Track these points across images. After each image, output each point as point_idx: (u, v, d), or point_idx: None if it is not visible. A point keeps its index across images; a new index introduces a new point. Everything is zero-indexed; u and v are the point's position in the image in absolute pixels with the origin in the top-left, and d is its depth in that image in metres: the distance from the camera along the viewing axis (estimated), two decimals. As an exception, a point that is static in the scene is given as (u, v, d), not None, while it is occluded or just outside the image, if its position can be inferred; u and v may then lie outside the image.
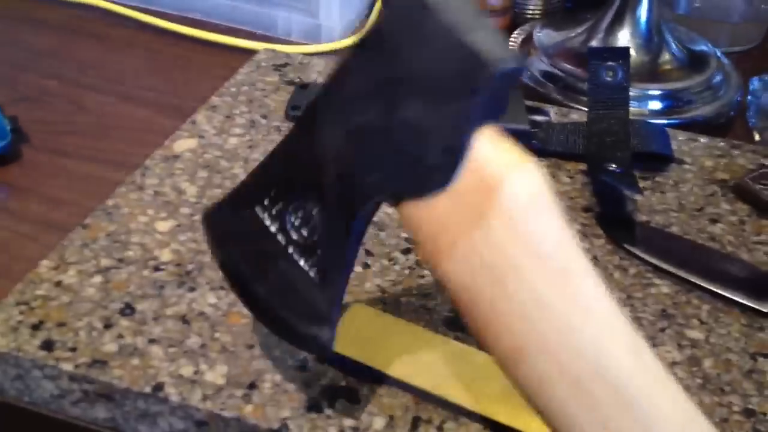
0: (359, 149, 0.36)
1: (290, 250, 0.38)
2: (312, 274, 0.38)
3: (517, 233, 0.33)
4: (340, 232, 0.37)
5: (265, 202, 0.39)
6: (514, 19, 0.85)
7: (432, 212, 0.34)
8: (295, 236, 0.38)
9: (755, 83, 0.76)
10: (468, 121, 0.33)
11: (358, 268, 0.53)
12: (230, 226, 0.41)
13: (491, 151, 0.33)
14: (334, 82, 0.37)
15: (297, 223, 0.38)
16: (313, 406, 0.45)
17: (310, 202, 0.38)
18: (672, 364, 0.49)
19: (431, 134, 0.33)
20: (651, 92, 0.73)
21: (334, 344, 0.38)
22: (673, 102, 0.73)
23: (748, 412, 0.46)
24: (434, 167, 0.33)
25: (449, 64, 0.32)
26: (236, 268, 0.41)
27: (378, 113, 0.34)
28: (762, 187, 0.62)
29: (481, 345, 0.35)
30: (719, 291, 0.54)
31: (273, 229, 0.39)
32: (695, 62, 0.77)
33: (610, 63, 0.64)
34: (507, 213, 0.32)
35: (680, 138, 0.69)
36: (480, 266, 0.33)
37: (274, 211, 0.39)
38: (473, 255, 0.33)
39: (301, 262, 0.38)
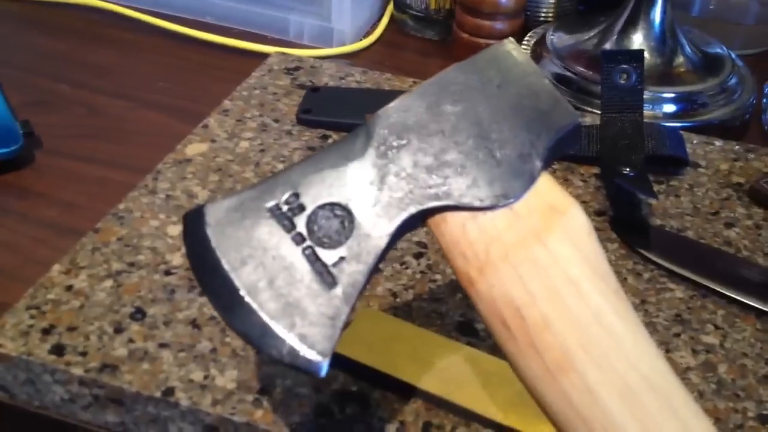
0: (450, 154, 0.37)
1: (302, 256, 0.35)
2: (320, 284, 0.35)
3: (579, 251, 0.35)
4: (373, 242, 0.36)
5: (278, 202, 0.36)
6: (526, 22, 0.84)
7: (488, 224, 0.36)
8: (310, 242, 0.36)
9: (771, 86, 0.75)
10: (545, 151, 0.37)
11: (369, 273, 0.53)
12: (229, 225, 0.36)
13: (554, 185, 0.37)
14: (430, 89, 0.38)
15: (317, 227, 0.36)
16: (324, 411, 0.44)
17: (340, 206, 0.36)
18: (686, 370, 0.48)
19: (512, 155, 0.37)
20: (665, 95, 0.72)
21: (328, 366, 0.34)
22: (687, 105, 0.73)
23: (763, 418, 0.46)
24: (508, 183, 0.36)
25: (539, 102, 0.38)
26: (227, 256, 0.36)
27: (472, 129, 0.37)
28: (778, 190, 0.62)
29: (516, 356, 0.35)
30: (734, 296, 0.53)
31: (283, 232, 0.36)
32: (710, 65, 0.76)
33: (623, 66, 0.63)
34: (572, 233, 0.36)
35: (695, 141, 0.69)
36: (534, 278, 0.35)
37: (288, 211, 0.36)
38: (527, 266, 0.35)
39: (313, 271, 0.35)
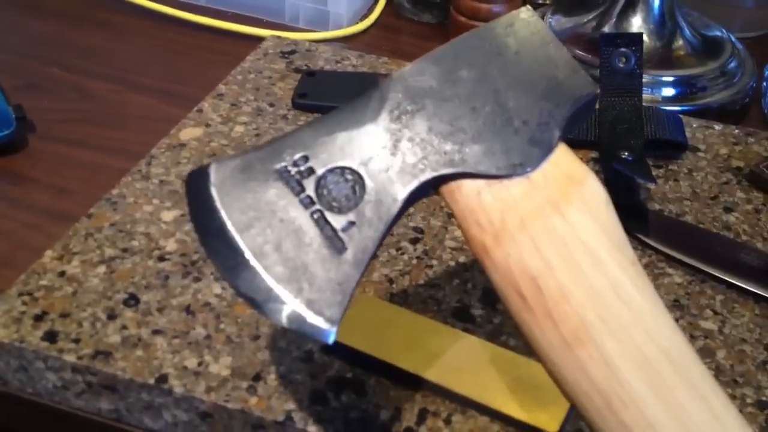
0: (465, 121, 0.36)
1: (311, 219, 0.34)
2: (330, 249, 0.34)
3: (597, 222, 0.35)
4: (386, 207, 0.35)
5: (287, 164, 0.35)
6: (524, 5, 0.83)
7: (505, 192, 0.35)
8: (319, 206, 0.34)
9: (770, 69, 0.75)
10: (563, 120, 0.36)
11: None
12: (235, 186, 0.35)
13: (571, 155, 0.37)
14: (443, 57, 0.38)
15: (326, 191, 0.35)
16: (319, 398, 0.44)
17: (351, 170, 0.35)
18: (685, 356, 0.48)
19: (530, 123, 0.36)
20: (664, 79, 0.72)
21: (336, 331, 0.34)
22: (686, 88, 0.72)
23: (762, 404, 0.45)
24: (526, 152, 0.36)
25: (557, 71, 0.37)
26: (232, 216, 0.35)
27: (489, 96, 0.37)
28: (777, 174, 0.61)
29: (532, 327, 0.35)
30: (733, 281, 0.53)
31: (292, 195, 0.35)
32: (709, 48, 0.76)
33: (622, 49, 0.63)
34: (590, 204, 0.35)
35: (694, 125, 0.68)
36: (551, 248, 0.34)
37: (297, 174, 0.35)
38: (544, 236, 0.34)
39: (322, 235, 0.34)
